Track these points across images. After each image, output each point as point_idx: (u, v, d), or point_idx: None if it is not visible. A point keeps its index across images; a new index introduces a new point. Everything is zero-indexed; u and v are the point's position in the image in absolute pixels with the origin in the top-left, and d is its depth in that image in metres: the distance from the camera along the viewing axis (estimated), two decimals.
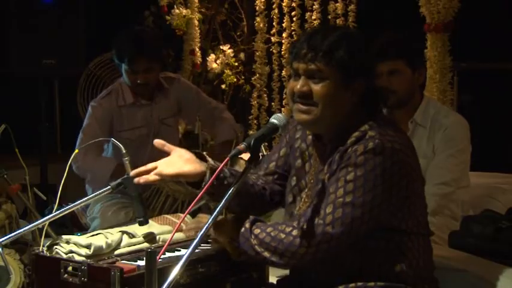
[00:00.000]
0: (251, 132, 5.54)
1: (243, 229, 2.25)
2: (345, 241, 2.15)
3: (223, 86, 5.71)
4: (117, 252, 2.33)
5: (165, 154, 3.86)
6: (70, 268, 2.22)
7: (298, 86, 2.22)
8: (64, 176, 2.44)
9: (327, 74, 2.18)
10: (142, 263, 2.22)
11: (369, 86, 2.24)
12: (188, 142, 4.04)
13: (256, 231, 2.23)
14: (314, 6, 5.34)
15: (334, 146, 2.24)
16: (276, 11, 5.48)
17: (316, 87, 2.20)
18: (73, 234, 2.39)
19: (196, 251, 2.12)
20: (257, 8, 5.54)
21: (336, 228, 2.12)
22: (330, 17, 5.30)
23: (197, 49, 5.54)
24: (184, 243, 2.46)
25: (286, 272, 2.55)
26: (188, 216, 2.57)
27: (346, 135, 2.20)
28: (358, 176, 2.12)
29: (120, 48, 3.73)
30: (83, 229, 3.89)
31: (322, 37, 2.20)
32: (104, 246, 2.29)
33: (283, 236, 2.17)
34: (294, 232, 2.16)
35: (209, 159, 2.40)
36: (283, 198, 2.49)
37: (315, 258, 2.16)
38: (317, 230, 2.13)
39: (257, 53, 5.62)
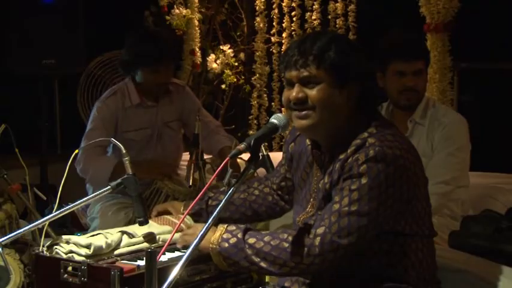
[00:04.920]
0: (251, 132, 5.53)
1: (234, 239, 2.21)
2: (352, 251, 2.14)
3: (223, 86, 5.71)
4: (117, 252, 2.33)
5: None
6: (70, 268, 2.22)
7: (294, 94, 2.22)
8: (64, 176, 2.44)
9: (319, 77, 2.19)
10: (142, 263, 2.22)
11: (365, 89, 2.24)
12: (188, 142, 4.03)
13: (251, 240, 2.20)
14: (314, 6, 5.34)
15: (333, 154, 2.24)
16: (276, 11, 5.49)
17: (312, 92, 2.20)
18: (73, 234, 2.39)
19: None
20: (257, 8, 5.54)
21: (342, 238, 2.12)
22: (330, 17, 5.30)
23: (197, 49, 5.54)
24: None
25: None
26: (188, 216, 2.57)
27: (345, 143, 2.20)
28: (363, 185, 2.12)
29: (141, 50, 3.71)
30: (83, 229, 3.89)
31: (312, 42, 2.21)
32: (104, 246, 2.30)
33: (286, 245, 2.15)
34: (299, 241, 2.14)
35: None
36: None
37: (320, 268, 2.15)
38: (325, 239, 2.12)
39: (257, 53, 5.62)
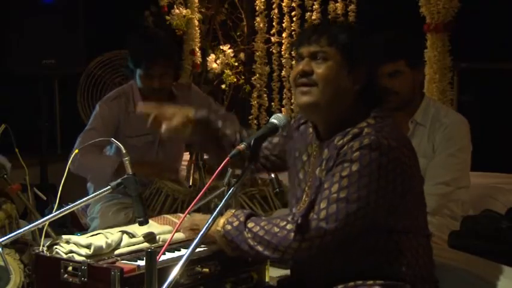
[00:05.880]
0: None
1: (237, 222, 2.25)
2: (339, 236, 2.15)
3: (223, 86, 5.71)
4: (117, 252, 2.33)
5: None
6: (70, 268, 2.23)
7: (301, 66, 2.26)
8: (64, 176, 2.44)
9: (329, 55, 2.23)
10: (142, 263, 2.22)
11: (370, 80, 2.27)
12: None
13: (250, 224, 2.24)
14: (314, 6, 5.33)
15: (331, 142, 2.25)
16: (276, 11, 5.48)
17: (319, 69, 2.23)
18: (73, 234, 2.39)
19: (196, 250, 2.11)
20: (257, 8, 5.53)
21: (330, 224, 2.13)
22: (330, 17, 5.29)
23: (197, 49, 5.54)
24: (184, 243, 2.46)
25: (286, 272, 2.55)
26: (188, 216, 2.56)
27: (344, 131, 2.22)
28: (353, 172, 2.13)
29: (136, 53, 3.71)
30: (83, 229, 3.89)
31: (328, 24, 2.30)
32: (104, 246, 2.30)
33: (277, 229, 2.18)
34: (288, 226, 2.17)
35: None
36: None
37: (309, 254, 2.17)
38: (311, 225, 2.14)
39: (257, 53, 5.61)
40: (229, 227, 2.26)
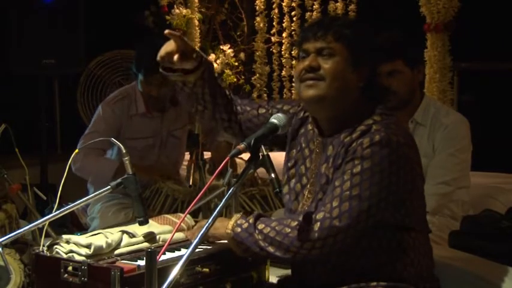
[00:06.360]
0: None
1: (246, 224, 2.26)
2: (352, 234, 2.15)
3: (223, 86, 5.71)
4: (117, 252, 2.33)
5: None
6: (70, 268, 2.22)
7: (307, 62, 2.25)
8: (64, 176, 2.44)
9: (336, 50, 2.23)
10: (142, 263, 2.22)
11: (372, 78, 2.27)
12: (188, 142, 4.03)
13: (261, 226, 2.24)
14: (314, 6, 5.34)
15: (336, 139, 2.25)
16: (276, 10, 5.48)
17: (326, 65, 2.23)
18: (73, 234, 2.39)
19: (196, 250, 2.11)
20: (257, 7, 5.53)
21: (343, 222, 2.13)
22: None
23: (197, 49, 5.54)
24: (184, 243, 2.46)
25: (287, 272, 2.55)
26: (188, 216, 2.57)
27: (350, 128, 2.22)
28: (365, 169, 2.13)
29: (139, 59, 3.73)
30: (83, 229, 3.89)
31: (332, 19, 2.29)
32: (104, 246, 2.29)
33: (288, 230, 2.18)
34: (300, 227, 2.16)
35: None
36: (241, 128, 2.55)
37: (321, 253, 2.17)
38: (324, 224, 2.14)
39: (257, 53, 5.61)
40: (238, 229, 2.26)
